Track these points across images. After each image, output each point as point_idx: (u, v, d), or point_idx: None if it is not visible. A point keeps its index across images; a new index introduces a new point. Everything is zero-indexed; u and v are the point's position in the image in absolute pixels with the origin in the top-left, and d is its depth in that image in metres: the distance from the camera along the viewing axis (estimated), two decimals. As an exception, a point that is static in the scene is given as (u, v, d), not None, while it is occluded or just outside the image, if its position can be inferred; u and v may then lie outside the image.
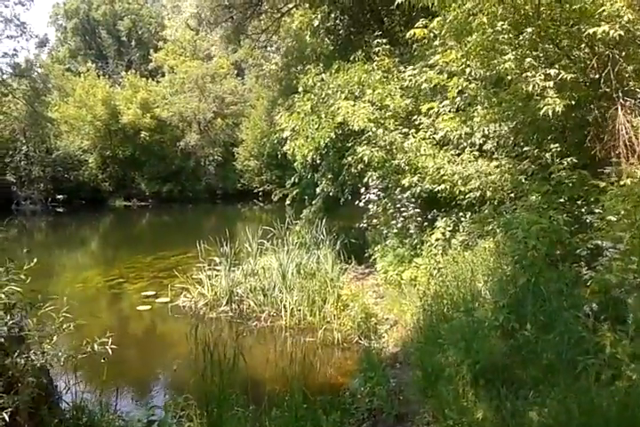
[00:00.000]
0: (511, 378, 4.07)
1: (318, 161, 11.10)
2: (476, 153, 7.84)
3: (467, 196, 7.73)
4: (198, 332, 8.91)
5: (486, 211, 6.95)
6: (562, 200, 5.49)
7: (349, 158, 9.91)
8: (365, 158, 9.04)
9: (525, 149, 6.55)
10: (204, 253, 10.93)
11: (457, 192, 7.71)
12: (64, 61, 54.04)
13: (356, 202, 10.53)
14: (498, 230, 6.33)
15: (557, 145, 6.03)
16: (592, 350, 3.65)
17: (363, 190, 10.20)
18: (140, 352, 8.49)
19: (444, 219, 8.17)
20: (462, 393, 4.07)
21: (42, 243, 23.20)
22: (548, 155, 6.09)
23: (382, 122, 9.24)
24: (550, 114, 5.24)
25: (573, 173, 5.54)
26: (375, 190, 9.76)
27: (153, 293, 11.29)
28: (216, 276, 10.67)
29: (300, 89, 11.11)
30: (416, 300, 7.38)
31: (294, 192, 14.39)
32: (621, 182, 5.10)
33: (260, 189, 39.08)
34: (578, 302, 4.14)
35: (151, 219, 33.27)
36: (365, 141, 9.40)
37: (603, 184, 5.02)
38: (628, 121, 5.52)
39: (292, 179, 13.91)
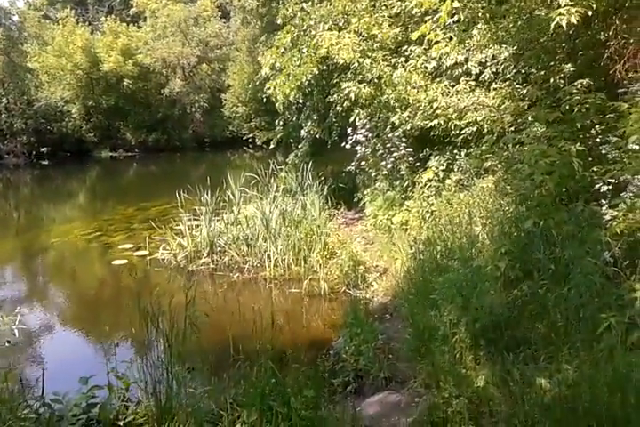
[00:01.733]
0: (517, 338, 3.49)
1: (301, 101, 10.22)
2: (473, 83, 7.02)
3: (462, 131, 6.99)
4: (173, 286, 8.58)
5: (484, 145, 6.20)
6: (573, 129, 4.71)
7: (335, 96, 9.06)
8: (352, 95, 8.22)
9: (530, 72, 5.69)
10: (187, 203, 10.28)
11: (452, 127, 6.96)
12: (42, 9, 51.48)
13: (343, 144, 9.73)
14: (498, 166, 5.62)
15: (569, 65, 5.21)
16: (615, 305, 3.04)
17: (350, 131, 9.41)
18: (101, 314, 7.89)
19: (437, 157, 7.45)
20: (460, 357, 3.50)
21: (27, 197, 22.44)
22: (556, 78, 5.28)
23: (369, 54, 8.33)
24: (564, 25, 4.37)
25: (587, 97, 4.72)
26: (363, 130, 8.99)
27: (131, 245, 10.68)
28: (197, 226, 10.05)
29: (280, 21, 10.07)
30: (407, 246, 6.79)
31: (279, 136, 13.52)
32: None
33: (250, 135, 37.85)
34: (596, 248, 3.50)
35: (138, 169, 32.35)
36: (351, 76, 8.54)
37: (624, 106, 4.24)
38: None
39: (277, 122, 13.03)
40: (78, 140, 36.45)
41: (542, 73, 5.56)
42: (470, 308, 3.53)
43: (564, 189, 4.19)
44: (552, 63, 5.63)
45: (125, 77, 36.66)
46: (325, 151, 12.85)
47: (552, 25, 4.45)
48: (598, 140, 4.59)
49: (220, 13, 41.25)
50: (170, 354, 3.91)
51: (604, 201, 3.85)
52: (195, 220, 10.29)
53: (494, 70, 6.78)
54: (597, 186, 3.97)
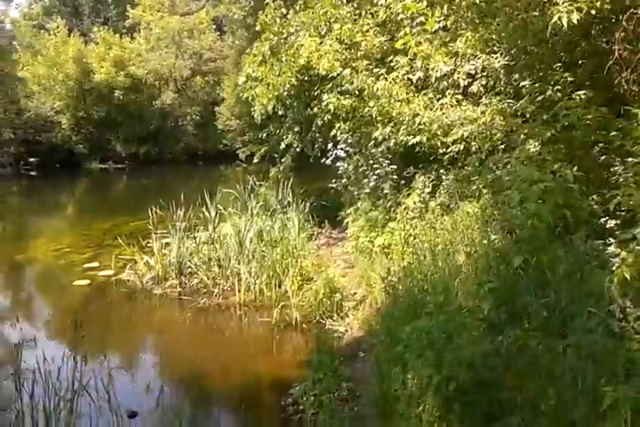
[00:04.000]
0: (501, 403, 2.83)
1: (282, 113, 9.60)
2: (460, 97, 6.41)
3: (448, 149, 6.37)
4: (127, 313, 7.90)
5: (470, 166, 5.57)
6: (571, 149, 4.07)
7: (316, 109, 8.47)
8: (331, 107, 7.61)
9: (523, 84, 5.06)
10: (165, 219, 9.57)
11: (437, 144, 6.33)
12: (37, 19, 51.27)
13: (323, 160, 9.09)
14: (484, 191, 4.99)
15: (567, 74, 4.58)
16: (622, 371, 2.38)
17: (331, 146, 8.80)
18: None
19: (422, 177, 6.82)
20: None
21: (9, 208, 21.63)
22: (553, 90, 4.65)
23: (352, 64, 7.75)
24: (565, 23, 3.72)
25: (588, 112, 4.09)
26: (344, 145, 8.37)
27: (98, 264, 9.97)
28: (169, 245, 9.37)
29: (258, 28, 9.49)
30: (386, 272, 6.14)
31: (263, 150, 12.88)
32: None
33: (243, 149, 37.30)
34: (599, 295, 2.85)
35: (127, 182, 31.72)
36: (332, 88, 7.95)
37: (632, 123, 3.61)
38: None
39: (260, 135, 12.41)
40: (68, 151, 35.85)
41: (537, 85, 4.93)
42: (444, 364, 2.87)
43: (559, 220, 3.53)
44: (548, 73, 5.00)
45: (117, 89, 36.25)
46: (310, 166, 12.24)
47: (549, 25, 3.83)
48: (600, 161, 3.97)
49: (214, 26, 40.98)
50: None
51: (611, 239, 3.16)
52: (169, 238, 9.60)
53: (484, 82, 6.16)
54: (603, 219, 3.32)
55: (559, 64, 4.91)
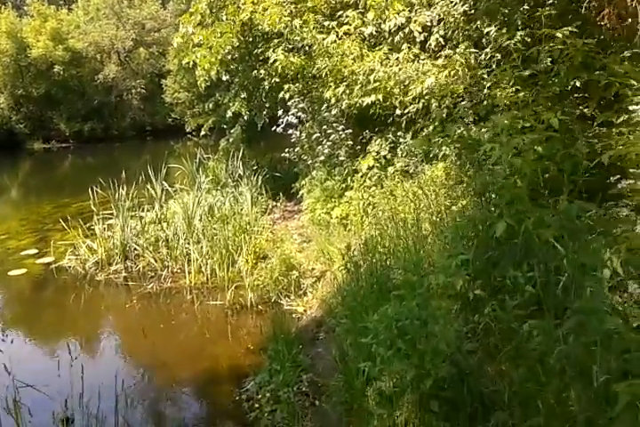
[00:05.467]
0: (483, 397, 2.39)
1: (226, 78, 8.85)
2: (417, 50, 5.85)
3: (406, 110, 5.85)
4: (70, 303, 7.24)
5: (432, 125, 5.05)
6: (551, 94, 3.53)
7: (262, 71, 7.78)
8: (278, 65, 6.95)
9: (487, 30, 4.50)
10: (109, 200, 8.78)
11: (395, 103, 5.79)
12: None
13: (273, 127, 8.44)
14: (448, 150, 4.49)
15: (538, 13, 3.99)
16: (637, 360, 1.94)
17: (281, 113, 8.15)
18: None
19: (379, 140, 6.29)
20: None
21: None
22: (522, 34, 4.08)
23: (300, 18, 7.07)
24: None
25: (574, 43, 3.42)
26: (294, 111, 7.75)
27: (36, 251, 9.18)
28: (113, 227, 8.66)
29: (194, -17, 8.65)
30: (346, 245, 5.66)
31: (210, 121, 12.09)
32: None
33: (196, 122, 36.00)
34: (595, 267, 2.38)
35: (72, 161, 30.22)
36: (278, 44, 7.28)
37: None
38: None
39: (206, 105, 11.61)
40: (8, 131, 33.85)
41: (503, 31, 4.39)
42: (418, 357, 2.41)
43: (540, 178, 3.00)
44: (514, 17, 4.46)
45: (56, 64, 34.20)
46: (263, 136, 11.59)
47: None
48: (584, 108, 3.48)
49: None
50: None
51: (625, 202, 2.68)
52: (112, 219, 8.86)
53: (441, 34, 5.60)
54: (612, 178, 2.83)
55: (525, 7, 4.40)
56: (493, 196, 3.09)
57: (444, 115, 4.83)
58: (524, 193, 2.82)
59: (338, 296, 4.59)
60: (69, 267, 8.08)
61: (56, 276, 7.88)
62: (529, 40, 4.17)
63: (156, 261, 7.74)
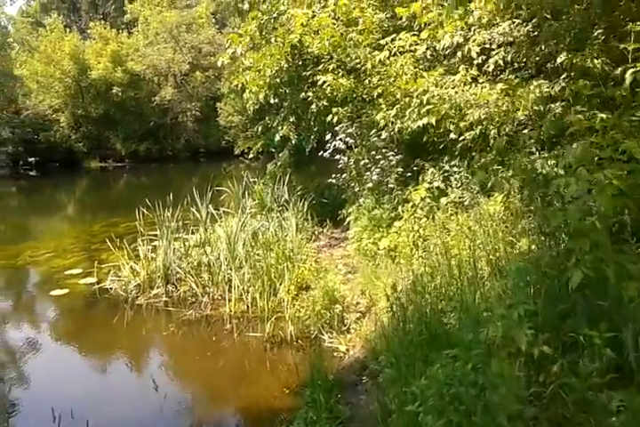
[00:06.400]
0: None
1: (275, 101, 8.69)
2: (474, 72, 5.50)
3: (461, 137, 5.49)
4: (110, 326, 7.07)
5: (491, 154, 4.65)
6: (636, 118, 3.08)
7: (310, 93, 7.56)
8: (327, 88, 6.72)
9: (561, 58, 4.03)
10: (157, 219, 8.65)
11: (449, 128, 5.42)
12: (35, 16, 50.63)
13: (321, 153, 8.17)
14: (511, 182, 4.08)
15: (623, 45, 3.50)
16: None
17: (329, 137, 7.89)
18: None
19: (431, 170, 5.92)
20: None
21: (8, 209, 20.82)
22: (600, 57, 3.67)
23: (351, 36, 6.85)
24: None
25: None
26: (343, 135, 7.48)
27: (81, 271, 9.15)
28: (157, 249, 8.53)
29: (246, 6, 8.56)
30: (393, 280, 5.30)
31: (259, 144, 11.98)
32: None
33: (246, 145, 36.37)
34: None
35: (127, 181, 30.94)
36: (328, 66, 7.06)
37: None
38: None
39: (255, 128, 11.52)
40: (67, 150, 35.27)
41: (579, 56, 3.95)
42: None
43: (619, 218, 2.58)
44: (587, 42, 4.06)
45: (115, 85, 35.56)
46: (310, 161, 11.37)
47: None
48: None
49: (214, 21, 40.03)
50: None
51: None
52: (157, 241, 8.74)
53: (502, 56, 5.23)
54: None
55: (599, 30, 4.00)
56: (566, 238, 2.69)
57: (504, 143, 4.45)
58: (605, 238, 2.41)
59: (382, 338, 4.22)
60: (111, 289, 7.98)
61: (97, 297, 7.78)
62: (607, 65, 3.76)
63: (197, 286, 7.54)
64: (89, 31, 41.95)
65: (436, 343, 3.08)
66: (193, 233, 8.99)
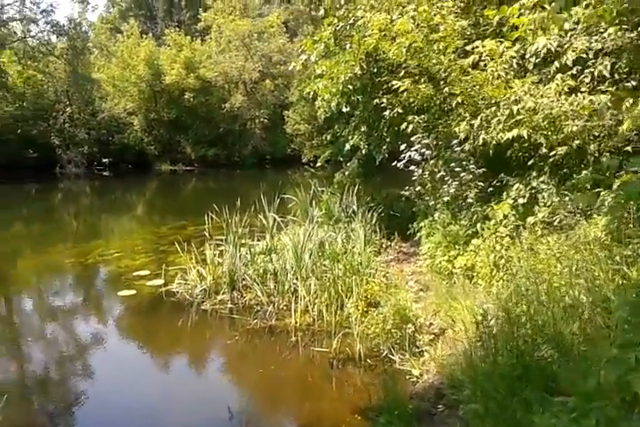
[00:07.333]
0: None
1: (347, 110, 8.47)
2: (573, 82, 5.10)
3: (552, 152, 5.11)
4: (175, 330, 7.03)
5: (592, 171, 4.28)
6: None
7: (384, 100, 7.29)
8: (404, 94, 6.45)
9: None
10: (225, 224, 8.60)
11: (540, 140, 5.04)
12: (114, 22, 52.82)
13: (394, 163, 7.85)
14: (612, 203, 3.71)
15: None
16: None
17: (403, 147, 7.59)
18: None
19: (517, 185, 5.54)
20: None
21: (77, 209, 21.59)
22: None
23: (431, 41, 6.57)
24: None
25: None
26: (418, 146, 7.17)
27: (148, 272, 9.23)
28: (224, 253, 8.47)
29: (321, 13, 8.39)
30: (471, 303, 4.97)
31: (327, 153, 11.79)
32: None
33: (312, 154, 36.45)
34: None
35: (195, 184, 31.51)
36: (406, 73, 6.80)
37: None
38: None
39: (324, 136, 11.35)
40: (139, 152, 36.48)
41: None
42: None
43: None
44: None
45: (187, 91, 36.50)
46: (379, 171, 11.09)
47: None
48: None
49: (285, 30, 40.47)
50: None
51: None
52: (224, 246, 8.69)
53: (605, 65, 4.83)
54: None
55: None
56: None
57: (612, 160, 4.05)
58: None
59: (463, 365, 3.91)
60: (178, 292, 7.99)
61: (164, 300, 7.81)
62: None
63: (262, 294, 7.42)
64: (164, 38, 43.38)
65: (530, 380, 2.76)
66: (259, 240, 8.93)
